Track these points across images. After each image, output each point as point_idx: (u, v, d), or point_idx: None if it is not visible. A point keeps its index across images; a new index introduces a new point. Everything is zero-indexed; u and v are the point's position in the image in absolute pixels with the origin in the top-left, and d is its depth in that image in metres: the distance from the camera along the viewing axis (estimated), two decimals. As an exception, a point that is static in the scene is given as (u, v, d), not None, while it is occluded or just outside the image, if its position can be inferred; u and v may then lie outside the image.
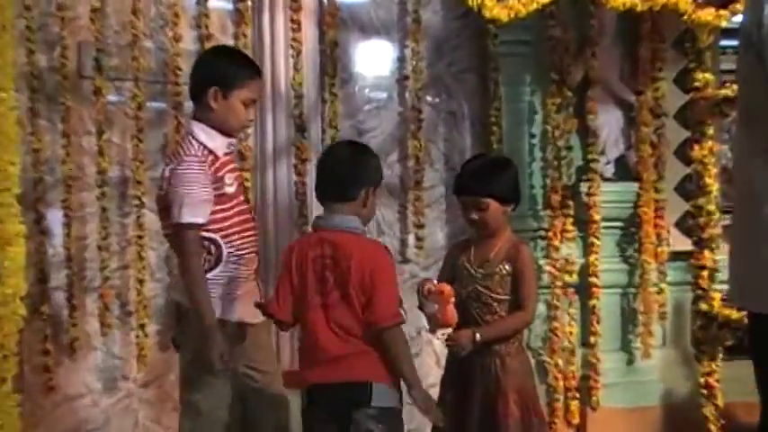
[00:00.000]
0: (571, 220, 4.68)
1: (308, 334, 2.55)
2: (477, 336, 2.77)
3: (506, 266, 2.87)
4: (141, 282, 4.19)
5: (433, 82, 4.73)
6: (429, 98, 4.73)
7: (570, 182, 4.72)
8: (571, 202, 4.68)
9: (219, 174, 2.69)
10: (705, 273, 4.27)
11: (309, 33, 4.31)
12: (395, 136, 4.67)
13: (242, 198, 2.80)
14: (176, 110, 4.24)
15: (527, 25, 4.40)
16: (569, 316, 4.65)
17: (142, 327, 4.17)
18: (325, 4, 4.41)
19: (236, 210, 2.75)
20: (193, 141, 2.72)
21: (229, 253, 2.72)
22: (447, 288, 2.70)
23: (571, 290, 4.68)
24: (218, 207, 2.71)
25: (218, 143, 2.76)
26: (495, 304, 2.89)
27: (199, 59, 2.90)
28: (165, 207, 2.74)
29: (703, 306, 4.29)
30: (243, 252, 2.78)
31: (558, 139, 4.67)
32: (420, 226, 4.60)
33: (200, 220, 2.64)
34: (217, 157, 2.70)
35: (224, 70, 2.74)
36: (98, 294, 4.15)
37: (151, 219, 4.02)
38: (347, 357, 2.48)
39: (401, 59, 4.70)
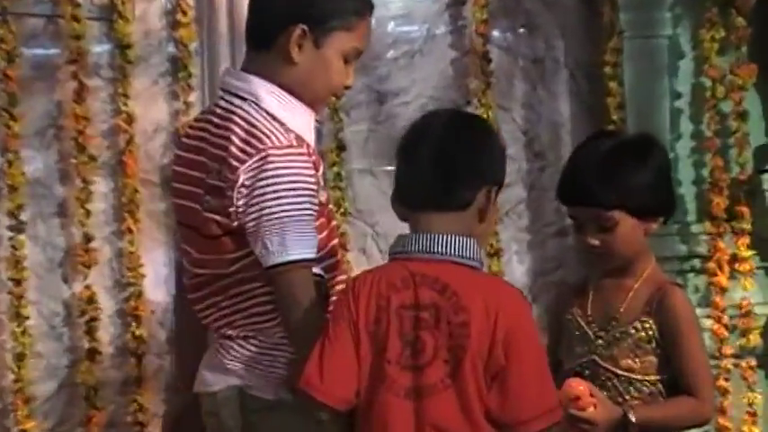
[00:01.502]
0: (747, 240, 4.23)
1: None
2: (632, 417, 2.62)
3: (647, 325, 2.71)
4: (21, 357, 3.89)
5: (505, 7, 4.40)
6: (497, 35, 4.38)
7: (745, 174, 4.27)
8: (746, 210, 4.24)
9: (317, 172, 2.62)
10: None
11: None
12: (441, 101, 4.28)
13: (330, 207, 2.75)
14: (77, 62, 3.92)
15: None
16: (749, 407, 4.21)
17: (24, 435, 3.94)
18: None
19: (330, 226, 2.64)
20: (271, 120, 2.55)
21: (332, 295, 2.64)
22: (580, 388, 2.60)
23: (750, 361, 4.25)
24: (317, 223, 2.59)
25: (302, 121, 2.56)
26: (623, 388, 2.74)
27: None
28: (226, 232, 2.55)
29: None
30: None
31: (723, 100, 4.24)
32: (494, 253, 4.29)
33: (312, 254, 2.52)
34: (309, 146, 2.57)
35: None
36: None
37: (33, 252, 3.93)
38: None
39: (450, -32, 4.40)
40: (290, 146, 2.48)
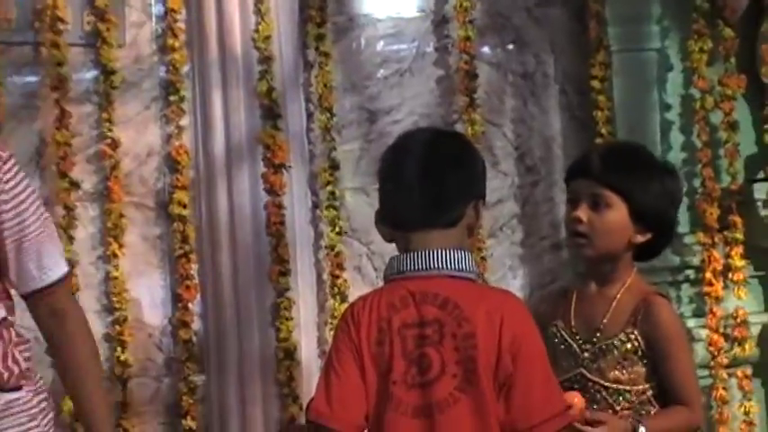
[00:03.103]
0: (740, 249, 4.27)
1: None
2: (643, 430, 2.62)
3: (633, 336, 2.69)
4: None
5: (495, 23, 4.47)
6: (488, 51, 4.46)
7: (736, 185, 4.34)
8: (738, 219, 4.29)
9: None
10: None
11: (279, -50, 4.18)
12: (432, 118, 4.36)
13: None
14: (59, 89, 3.96)
15: None
16: (745, 416, 4.24)
17: None
18: None
19: None
20: None
21: None
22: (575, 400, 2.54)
23: (746, 370, 4.27)
24: None
25: None
26: (612, 399, 2.72)
27: None
28: None
29: None
30: None
31: (713, 110, 4.31)
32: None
33: None
34: None
35: None
36: None
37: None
38: None
39: (438, -13, 4.44)
40: None
